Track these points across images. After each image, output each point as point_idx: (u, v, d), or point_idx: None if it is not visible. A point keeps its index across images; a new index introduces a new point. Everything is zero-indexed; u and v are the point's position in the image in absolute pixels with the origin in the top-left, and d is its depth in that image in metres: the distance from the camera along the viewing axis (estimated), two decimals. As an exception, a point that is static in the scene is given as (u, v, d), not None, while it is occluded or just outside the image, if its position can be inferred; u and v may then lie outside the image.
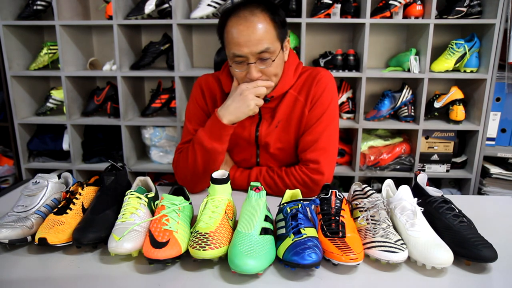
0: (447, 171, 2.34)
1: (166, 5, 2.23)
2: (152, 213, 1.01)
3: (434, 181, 2.43)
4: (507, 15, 2.07)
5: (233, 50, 1.20)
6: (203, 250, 0.85)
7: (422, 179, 1.09)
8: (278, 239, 0.91)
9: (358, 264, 0.88)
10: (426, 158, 2.32)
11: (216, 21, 2.18)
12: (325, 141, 1.31)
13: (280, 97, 1.34)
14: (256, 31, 1.18)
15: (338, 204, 0.98)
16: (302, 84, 1.35)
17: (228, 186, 1.01)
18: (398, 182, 1.06)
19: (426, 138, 2.30)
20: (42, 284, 0.84)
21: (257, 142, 1.37)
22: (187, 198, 1.07)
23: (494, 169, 2.26)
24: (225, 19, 1.24)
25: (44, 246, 0.93)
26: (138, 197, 1.00)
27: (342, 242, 0.89)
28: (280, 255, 0.87)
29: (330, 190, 1.00)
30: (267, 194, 1.01)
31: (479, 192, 2.32)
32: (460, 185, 2.43)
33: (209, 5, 2.19)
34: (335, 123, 1.35)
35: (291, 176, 1.31)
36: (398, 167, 2.30)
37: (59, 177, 1.15)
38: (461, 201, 1.07)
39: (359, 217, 0.99)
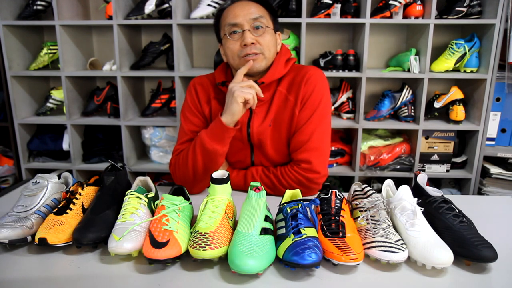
0: (447, 171, 2.34)
1: (166, 5, 2.23)
2: (152, 213, 1.01)
3: (434, 181, 2.43)
4: (507, 15, 2.07)
5: (228, 20, 1.27)
6: (203, 250, 0.85)
7: (422, 179, 1.09)
8: (278, 239, 0.91)
9: (358, 264, 0.88)
10: (426, 158, 2.32)
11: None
12: (316, 141, 1.31)
13: (271, 90, 1.34)
14: (250, 5, 1.28)
15: (338, 204, 0.98)
16: (291, 82, 1.35)
17: (228, 186, 1.01)
18: (398, 182, 1.06)
19: (426, 138, 2.30)
20: (42, 284, 0.84)
21: (250, 141, 1.37)
22: (187, 198, 1.07)
23: (494, 169, 2.26)
24: (221, 12, 1.33)
25: (44, 246, 0.93)
26: (138, 197, 1.00)
27: (342, 242, 0.89)
28: (280, 255, 0.87)
29: (330, 190, 1.00)
30: (267, 193, 1.01)
31: (479, 192, 2.31)
32: (460, 185, 2.43)
33: (209, 5, 2.19)
34: (326, 122, 1.35)
35: (286, 176, 1.31)
36: (398, 167, 2.30)
37: (59, 177, 1.15)
38: (461, 201, 1.07)
39: (359, 217, 0.99)
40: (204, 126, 1.40)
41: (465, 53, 2.18)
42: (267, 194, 1.12)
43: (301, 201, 0.96)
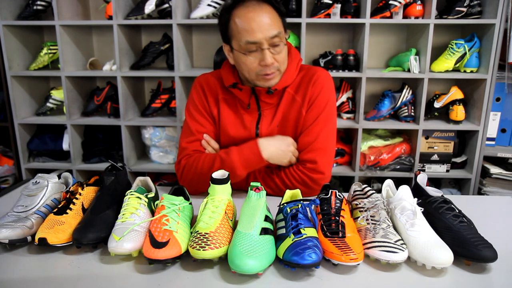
0: (447, 171, 2.34)
1: (166, 5, 2.23)
2: (152, 213, 1.01)
3: (434, 181, 2.43)
4: (507, 15, 2.07)
5: (246, 37, 1.22)
6: (203, 250, 0.85)
7: (422, 179, 1.09)
8: (278, 239, 0.91)
9: (358, 264, 0.88)
10: (426, 158, 2.32)
11: (216, 21, 2.19)
12: (322, 141, 1.32)
13: (280, 93, 1.34)
14: (266, 17, 1.22)
15: (338, 204, 0.98)
16: (299, 83, 1.35)
17: (228, 186, 1.01)
18: (398, 182, 1.06)
19: (426, 138, 2.30)
20: (42, 284, 0.84)
21: None
22: (187, 198, 1.07)
23: (494, 169, 2.26)
24: (229, 13, 1.26)
25: (44, 246, 0.93)
26: (138, 197, 1.00)
27: (342, 242, 0.89)
28: (280, 255, 0.87)
29: (330, 190, 1.00)
30: (267, 194, 1.01)
31: (479, 192, 2.31)
32: (460, 185, 2.43)
33: (209, 5, 2.19)
34: (332, 123, 1.36)
35: (290, 176, 1.31)
36: (398, 167, 2.30)
37: (59, 177, 1.15)
38: (461, 201, 1.07)
39: (359, 217, 0.99)
40: (212, 127, 1.40)
41: (465, 53, 2.18)
42: (269, 195, 1.13)
43: (301, 201, 0.96)
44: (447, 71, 2.22)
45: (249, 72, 1.27)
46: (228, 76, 1.36)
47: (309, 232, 0.89)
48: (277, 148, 1.29)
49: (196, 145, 1.37)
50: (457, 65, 2.22)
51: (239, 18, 1.23)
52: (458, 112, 2.21)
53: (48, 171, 2.43)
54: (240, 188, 1.33)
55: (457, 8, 2.12)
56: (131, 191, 1.02)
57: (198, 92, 1.41)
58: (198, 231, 0.91)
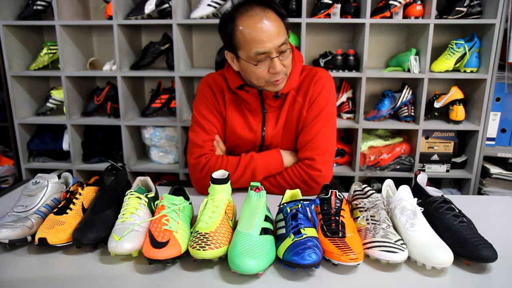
0: (447, 171, 2.34)
1: (166, 5, 2.23)
2: (152, 213, 1.01)
3: (434, 181, 2.43)
4: (507, 15, 2.07)
5: (256, 48, 1.20)
6: (203, 250, 0.85)
7: (422, 179, 1.09)
8: (278, 239, 0.91)
9: (358, 264, 0.88)
10: (426, 158, 2.32)
11: (216, 21, 2.19)
12: (321, 140, 1.33)
13: (283, 96, 1.35)
14: (273, 26, 1.21)
15: (338, 204, 0.98)
16: (300, 84, 1.36)
17: (228, 186, 1.01)
18: (398, 182, 1.06)
19: (426, 138, 2.30)
20: (42, 284, 0.84)
21: (263, 142, 1.39)
22: (187, 198, 1.07)
23: (494, 169, 2.26)
24: (233, 21, 1.23)
25: (44, 246, 0.93)
26: (138, 197, 1.00)
27: (342, 242, 0.89)
28: (280, 255, 0.87)
29: (330, 190, 1.00)
30: (269, 192, 1.01)
31: (479, 192, 2.31)
32: (460, 185, 2.43)
33: (209, 5, 2.19)
34: (332, 123, 1.36)
35: (291, 173, 1.33)
36: (398, 167, 2.30)
37: (59, 177, 1.15)
38: (461, 201, 1.07)
39: (359, 217, 0.99)
40: (221, 127, 1.41)
41: (465, 53, 2.18)
42: (269, 193, 1.13)
43: (301, 201, 0.96)
44: (447, 71, 2.22)
45: (258, 79, 1.27)
46: (233, 78, 1.35)
47: (309, 232, 0.89)
48: (292, 159, 1.37)
49: (211, 144, 1.38)
50: (457, 65, 2.22)
51: (247, 29, 1.20)
52: (458, 112, 2.21)
53: (48, 171, 2.43)
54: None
55: (457, 8, 2.12)
56: (131, 191, 1.02)
57: (208, 91, 1.40)
58: (198, 231, 0.91)
